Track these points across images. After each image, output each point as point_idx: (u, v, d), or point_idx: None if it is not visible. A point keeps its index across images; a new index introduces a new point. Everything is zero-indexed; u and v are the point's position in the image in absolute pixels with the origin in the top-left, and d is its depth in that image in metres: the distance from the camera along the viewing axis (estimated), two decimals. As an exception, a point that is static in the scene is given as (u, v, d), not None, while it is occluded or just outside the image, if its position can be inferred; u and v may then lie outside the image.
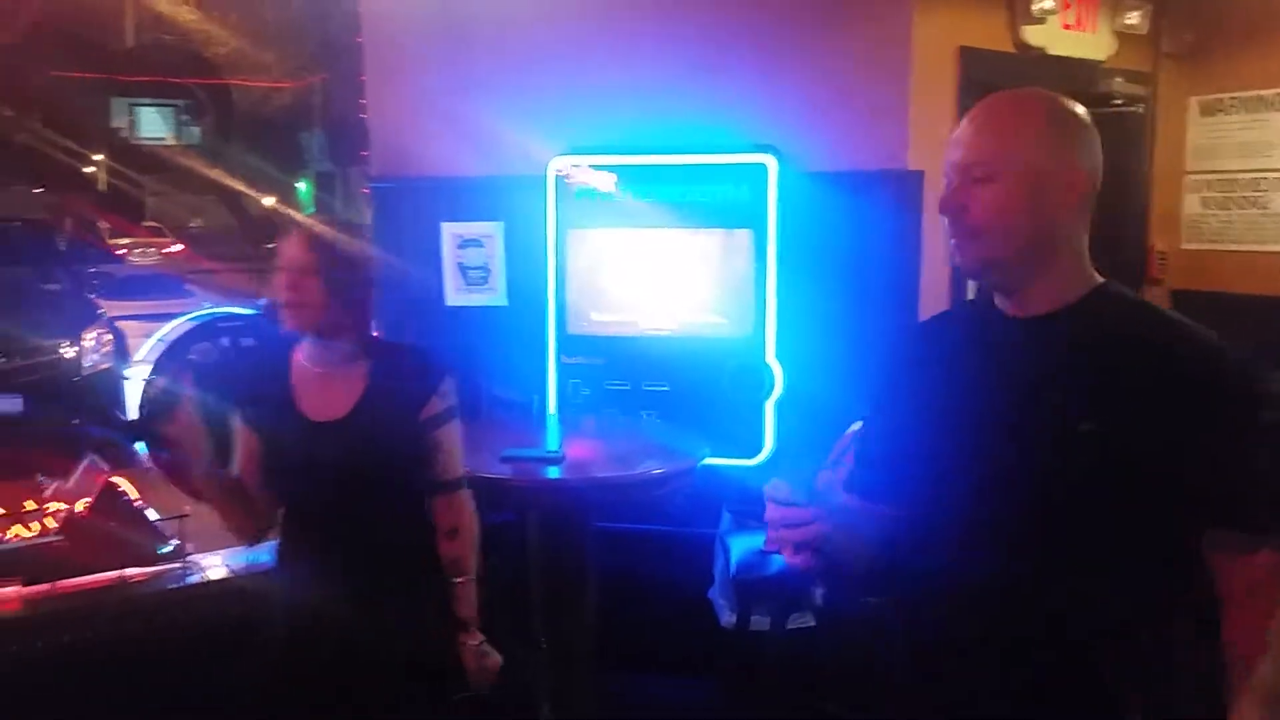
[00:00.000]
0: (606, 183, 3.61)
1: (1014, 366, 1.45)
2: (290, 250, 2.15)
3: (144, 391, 3.55)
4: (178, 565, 3.10)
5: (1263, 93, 4.15)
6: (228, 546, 3.29)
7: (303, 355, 2.23)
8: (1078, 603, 1.39)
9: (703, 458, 2.83)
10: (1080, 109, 1.48)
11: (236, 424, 2.23)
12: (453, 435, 2.23)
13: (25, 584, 3.08)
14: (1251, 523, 1.35)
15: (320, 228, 2.17)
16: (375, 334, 2.30)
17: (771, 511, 1.39)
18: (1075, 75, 3.91)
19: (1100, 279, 1.48)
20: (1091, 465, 1.36)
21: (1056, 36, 3.76)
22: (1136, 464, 1.35)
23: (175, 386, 3.28)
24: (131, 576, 3.03)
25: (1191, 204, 4.39)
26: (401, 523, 2.21)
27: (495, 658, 2.26)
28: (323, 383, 2.19)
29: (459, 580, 2.24)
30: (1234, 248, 4.26)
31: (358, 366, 2.20)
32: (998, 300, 1.50)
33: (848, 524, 1.47)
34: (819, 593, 1.57)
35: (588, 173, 3.62)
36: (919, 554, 1.51)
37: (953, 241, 1.48)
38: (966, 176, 1.45)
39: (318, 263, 2.12)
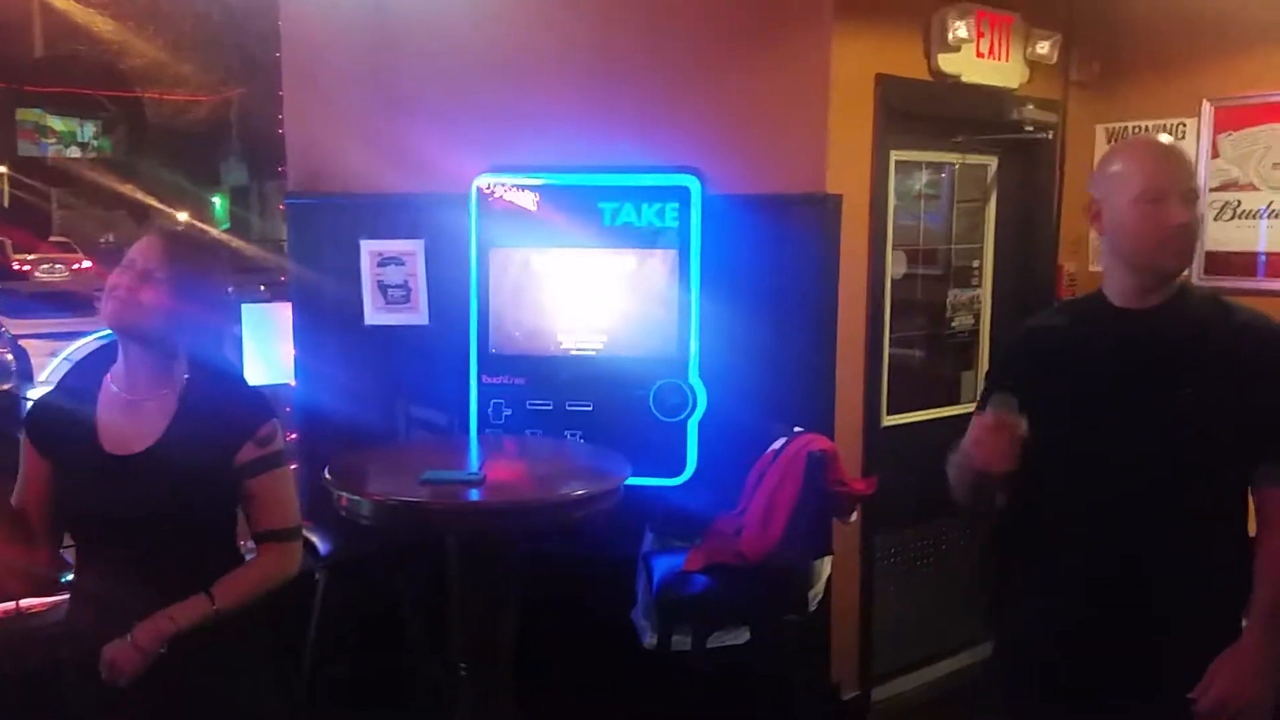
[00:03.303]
0: (529, 202, 3.60)
1: (1135, 344, 1.92)
2: (143, 247, 1.97)
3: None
4: (80, 594, 2.99)
5: (1164, 121, 4.31)
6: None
7: (114, 380, 2.03)
8: (1179, 542, 1.86)
9: (625, 478, 2.82)
10: None
11: (25, 448, 2.01)
12: (271, 485, 2.02)
13: (-86, 618, 2.94)
14: None
15: (186, 233, 2.06)
16: (199, 364, 2.06)
17: (985, 422, 1.85)
18: (988, 102, 4.02)
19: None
20: (1186, 416, 1.84)
21: (970, 65, 3.85)
22: (1222, 418, 1.83)
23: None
24: (30, 607, 2.92)
25: (1098, 228, 4.54)
26: (209, 577, 1.98)
27: (125, 670, 1.86)
28: (128, 412, 1.99)
29: (212, 590, 1.94)
30: (1138, 271, 4.41)
31: (169, 395, 2.00)
32: (1108, 295, 1.99)
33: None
34: (1000, 498, 1.99)
35: (511, 192, 3.60)
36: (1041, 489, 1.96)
37: (1169, 245, 1.89)
38: (1185, 200, 1.89)
39: (170, 268, 1.95)
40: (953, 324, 4.29)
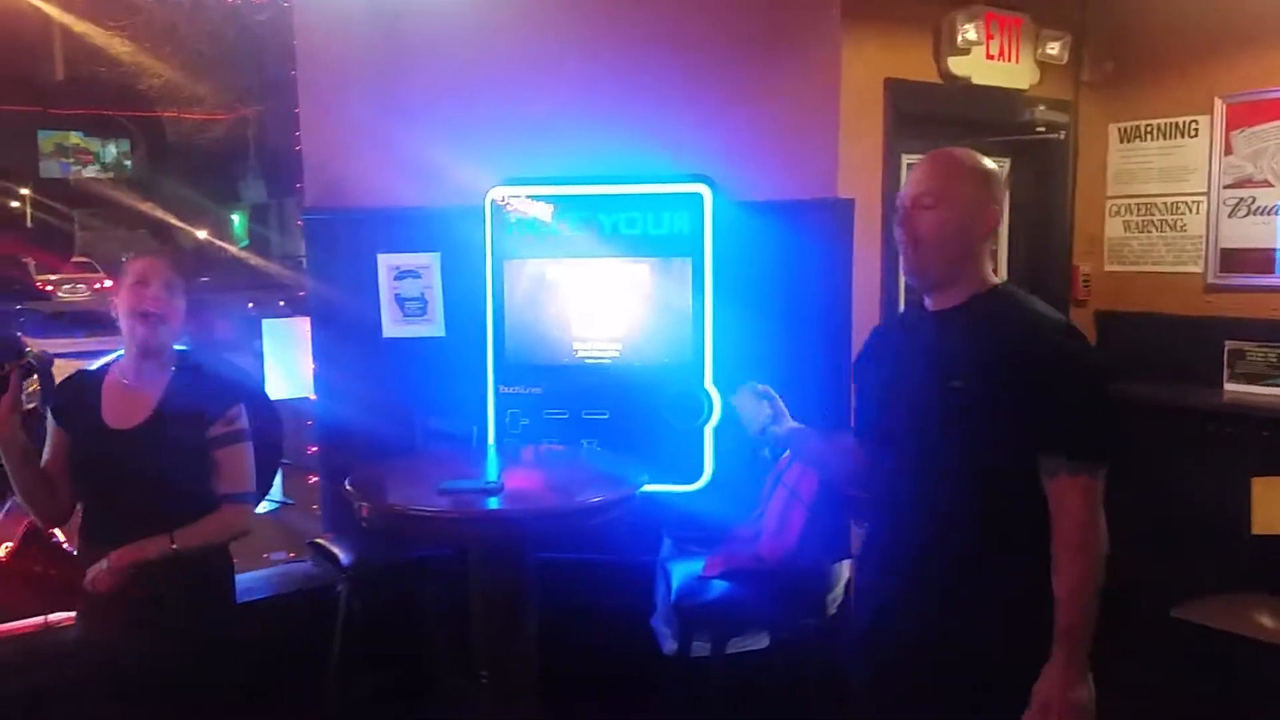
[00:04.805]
0: (543, 213, 3.63)
1: (924, 344, 2.03)
2: (151, 266, 2.41)
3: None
4: (107, 608, 3.02)
5: (1177, 119, 4.30)
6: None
7: (118, 368, 2.49)
8: (958, 510, 1.93)
9: (642, 485, 2.83)
10: (994, 165, 2.05)
11: (50, 422, 2.47)
12: (233, 456, 2.48)
13: (-54, 632, 2.98)
14: (1067, 449, 1.85)
15: (170, 248, 2.38)
16: (182, 356, 2.54)
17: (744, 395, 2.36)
18: (999, 104, 4.03)
19: (996, 281, 2.03)
20: (957, 410, 1.91)
21: (980, 67, 3.86)
22: (990, 408, 1.88)
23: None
24: (58, 621, 2.95)
25: (1113, 227, 4.53)
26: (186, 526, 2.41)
27: (100, 586, 2.33)
28: (127, 393, 2.45)
29: (174, 533, 2.37)
30: (1154, 269, 4.39)
31: (160, 381, 2.46)
32: (925, 300, 2.07)
33: (825, 443, 2.36)
34: (767, 451, 2.45)
35: (525, 203, 3.63)
36: (873, 476, 2.14)
37: (904, 252, 2.02)
38: (918, 204, 1.98)
39: (183, 280, 2.44)
40: (968, 326, 4.29)
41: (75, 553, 2.60)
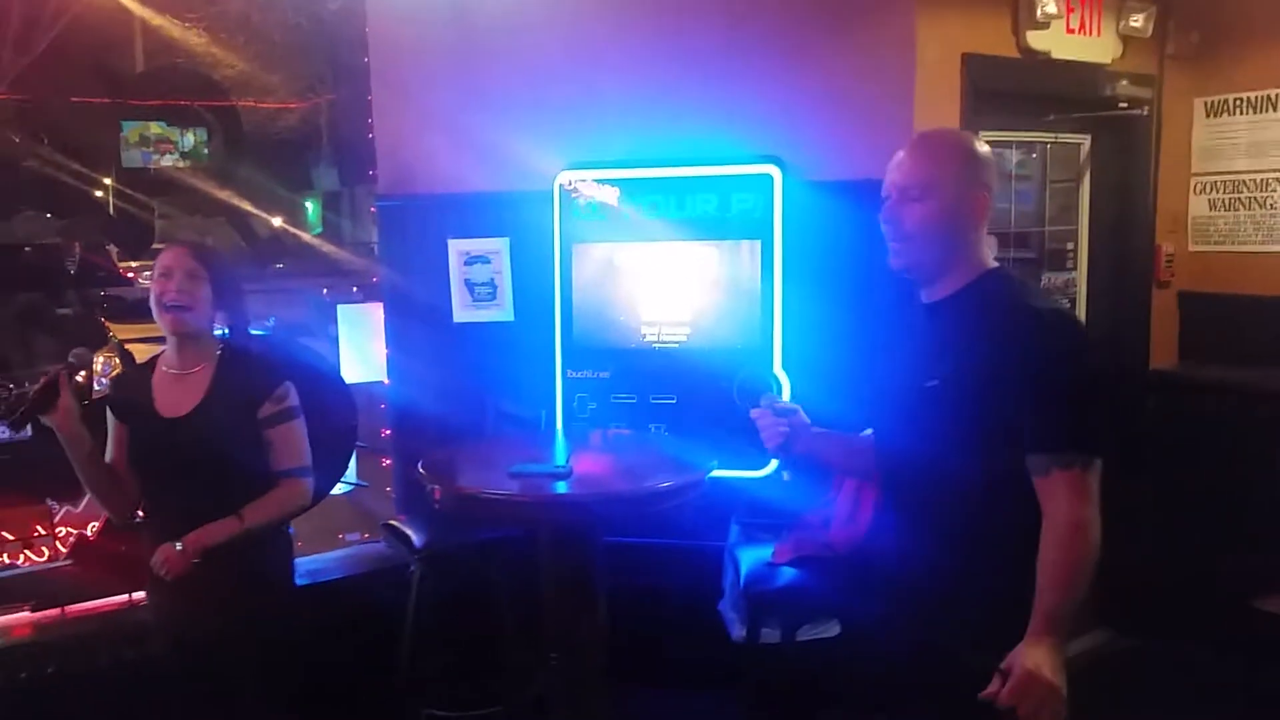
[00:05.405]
0: (611, 197, 3.61)
1: (914, 339, 1.98)
2: (176, 256, 2.46)
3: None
4: (189, 586, 3.10)
5: (1269, 92, 4.13)
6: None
7: (164, 361, 2.56)
8: (944, 514, 1.86)
9: (711, 470, 2.81)
10: (986, 146, 1.95)
11: (110, 419, 2.56)
12: (285, 434, 2.54)
13: (35, 609, 3.09)
14: (1055, 443, 1.74)
15: (200, 239, 2.44)
16: (229, 336, 2.60)
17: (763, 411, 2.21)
18: (1080, 79, 3.90)
19: (988, 266, 1.92)
20: (934, 413, 1.85)
21: (1061, 41, 3.75)
22: (971, 409, 1.79)
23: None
24: (141, 600, 3.03)
25: (1198, 206, 4.37)
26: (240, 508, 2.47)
27: (173, 567, 2.37)
28: (176, 382, 2.52)
29: (242, 511, 2.44)
30: (1241, 249, 4.24)
31: (206, 368, 2.52)
32: (920, 292, 1.99)
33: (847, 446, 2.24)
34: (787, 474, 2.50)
35: (593, 187, 3.62)
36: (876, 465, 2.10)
37: (892, 245, 1.95)
38: (904, 196, 1.90)
39: (208, 269, 2.48)
40: (1046, 308, 4.18)
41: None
